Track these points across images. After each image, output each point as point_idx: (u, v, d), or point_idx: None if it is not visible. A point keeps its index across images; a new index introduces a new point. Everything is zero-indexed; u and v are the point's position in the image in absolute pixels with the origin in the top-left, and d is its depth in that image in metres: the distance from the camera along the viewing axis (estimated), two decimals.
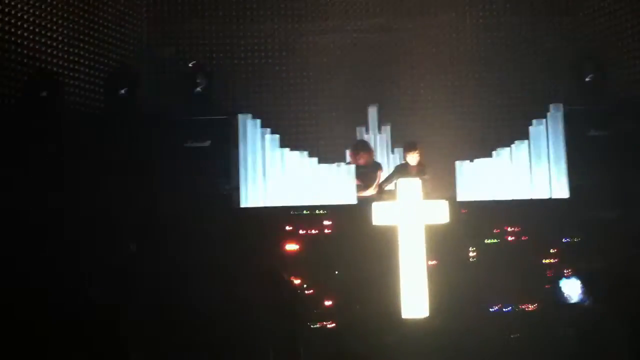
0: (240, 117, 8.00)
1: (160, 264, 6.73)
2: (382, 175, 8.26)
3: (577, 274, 6.49)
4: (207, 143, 7.84)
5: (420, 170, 7.75)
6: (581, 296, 6.34)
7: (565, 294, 6.41)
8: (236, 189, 7.77)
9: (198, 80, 8.21)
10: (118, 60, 9.46)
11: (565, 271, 6.60)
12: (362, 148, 8.32)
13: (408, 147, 7.91)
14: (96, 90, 8.98)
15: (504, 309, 6.70)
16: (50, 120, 7.51)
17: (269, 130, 8.16)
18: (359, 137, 9.05)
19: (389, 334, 6.02)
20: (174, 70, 9.17)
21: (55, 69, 8.45)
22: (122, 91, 7.92)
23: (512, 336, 6.27)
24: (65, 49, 8.66)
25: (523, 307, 6.68)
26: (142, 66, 9.63)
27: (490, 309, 6.68)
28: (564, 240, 6.97)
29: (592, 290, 6.03)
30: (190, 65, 8.40)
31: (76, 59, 8.83)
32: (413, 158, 7.81)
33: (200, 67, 8.42)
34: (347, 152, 8.82)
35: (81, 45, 8.90)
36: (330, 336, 6.15)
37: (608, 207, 7.08)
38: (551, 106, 7.91)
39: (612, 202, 7.15)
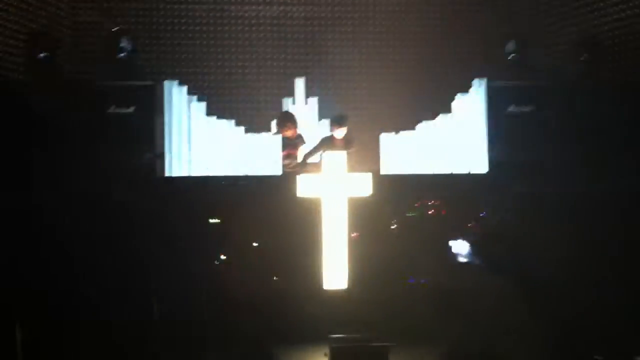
0: (166, 83, 7.88)
1: (79, 236, 6.60)
2: (306, 147, 8.27)
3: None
4: (131, 109, 7.68)
5: (346, 143, 7.81)
6: (469, 256, 6.60)
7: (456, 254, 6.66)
8: (160, 157, 7.67)
9: (122, 46, 8.03)
10: (38, 24, 9.14)
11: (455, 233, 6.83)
12: (289, 119, 8.31)
13: (336, 121, 7.95)
14: (14, 53, 8.67)
15: (422, 281, 6.87)
16: None
17: (195, 97, 8.07)
18: (284, 108, 9.04)
19: (309, 304, 6.11)
20: (96, 35, 8.92)
21: None
22: (42, 55, 7.67)
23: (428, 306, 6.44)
24: None
25: (440, 279, 6.86)
26: (64, 31, 9.34)
27: (409, 281, 6.85)
28: (481, 214, 7.18)
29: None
30: (113, 30, 8.19)
31: None
32: (340, 132, 7.86)
33: (125, 32, 8.22)
34: (273, 123, 8.81)
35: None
36: (251, 308, 6.18)
37: (525, 182, 7.29)
38: (475, 81, 8.06)
39: (529, 177, 7.37)
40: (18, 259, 6.02)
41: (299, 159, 8.17)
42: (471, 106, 8.00)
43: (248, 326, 5.75)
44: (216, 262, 6.71)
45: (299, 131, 8.39)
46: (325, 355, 5.17)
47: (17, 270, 5.83)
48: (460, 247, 6.91)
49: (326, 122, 8.88)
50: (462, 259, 6.91)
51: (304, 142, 8.27)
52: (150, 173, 7.51)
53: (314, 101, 9.16)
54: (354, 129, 8.23)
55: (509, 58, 8.11)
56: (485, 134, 7.80)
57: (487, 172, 7.62)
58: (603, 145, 7.26)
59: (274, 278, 6.53)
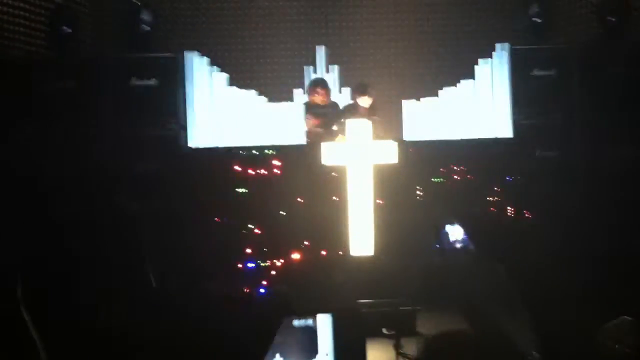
0: (187, 54, 7.88)
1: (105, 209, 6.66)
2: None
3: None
4: (153, 82, 7.70)
5: (370, 110, 7.77)
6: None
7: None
8: (183, 129, 7.70)
9: (142, 17, 8.02)
10: None
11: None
12: (318, 83, 8.26)
13: (359, 90, 7.89)
14: (37, 28, 8.70)
15: (448, 247, 6.88)
16: None
17: (216, 68, 8.07)
18: (306, 77, 9.01)
19: (336, 271, 6.14)
20: (117, 8, 8.91)
21: None
22: (65, 29, 7.70)
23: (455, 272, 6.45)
24: None
25: (465, 246, 6.87)
26: (85, 4, 9.34)
27: (435, 246, 6.86)
28: (507, 179, 7.16)
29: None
30: (134, 2, 8.18)
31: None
32: (364, 100, 7.81)
33: (145, 4, 8.21)
34: (296, 91, 8.81)
35: None
36: (279, 275, 6.24)
37: (550, 147, 7.26)
38: (497, 45, 7.98)
39: (553, 142, 7.33)
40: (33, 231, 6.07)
41: (328, 127, 8.03)
42: (494, 71, 7.93)
43: (276, 295, 5.78)
44: (243, 232, 6.76)
45: (333, 99, 8.29)
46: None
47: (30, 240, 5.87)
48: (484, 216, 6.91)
49: (347, 91, 8.85)
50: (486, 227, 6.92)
51: (339, 112, 8.08)
52: (173, 144, 7.55)
53: (335, 69, 9.13)
54: (376, 97, 8.19)
55: (533, 19, 8.00)
56: (509, 98, 7.75)
57: (512, 137, 7.57)
58: (628, 108, 7.20)
59: (302, 245, 6.56)
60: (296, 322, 2.97)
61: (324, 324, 2.92)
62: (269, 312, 3.02)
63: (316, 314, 2.94)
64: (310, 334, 2.94)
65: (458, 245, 6.92)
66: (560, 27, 8.57)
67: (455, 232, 6.95)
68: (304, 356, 2.90)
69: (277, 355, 2.90)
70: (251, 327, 2.90)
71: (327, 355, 2.88)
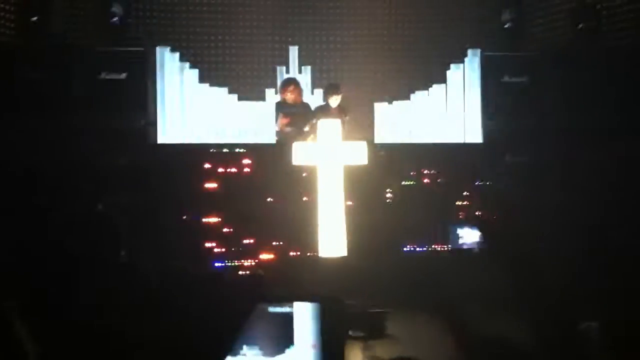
0: (159, 49, 7.78)
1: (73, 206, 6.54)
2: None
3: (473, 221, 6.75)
4: (123, 75, 7.58)
5: (340, 111, 7.76)
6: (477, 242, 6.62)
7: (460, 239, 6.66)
8: (152, 124, 7.59)
9: (114, 10, 7.92)
10: None
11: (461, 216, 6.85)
12: (292, 84, 8.20)
13: (330, 90, 7.86)
14: (6, 17, 8.52)
15: (418, 249, 6.90)
16: None
17: (187, 64, 7.99)
18: (279, 77, 8.96)
19: (306, 272, 6.12)
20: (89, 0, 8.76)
21: None
22: (34, 19, 7.54)
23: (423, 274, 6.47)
24: None
25: (436, 247, 6.89)
26: None
27: (404, 249, 6.87)
28: (476, 183, 7.19)
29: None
30: None
31: None
32: (335, 100, 7.79)
33: None
34: (268, 91, 8.77)
35: None
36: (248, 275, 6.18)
37: (518, 152, 7.31)
38: (469, 51, 8.04)
39: (522, 148, 7.39)
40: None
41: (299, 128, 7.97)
42: (466, 76, 7.98)
43: (243, 293, 5.71)
44: (212, 230, 6.68)
45: (305, 100, 8.26)
46: None
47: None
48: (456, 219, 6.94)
49: (320, 92, 8.83)
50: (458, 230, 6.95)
51: (310, 112, 8.04)
52: (142, 139, 7.44)
53: (308, 70, 9.10)
54: (348, 98, 8.18)
55: (505, 26, 8.07)
56: (479, 103, 7.79)
57: (482, 142, 7.62)
58: (598, 114, 7.28)
59: (272, 244, 6.52)
60: (272, 309, 2.81)
61: (304, 312, 2.79)
62: (243, 293, 2.93)
63: (295, 301, 2.81)
64: (289, 322, 2.81)
65: (428, 248, 6.96)
66: (532, 33, 8.64)
67: (426, 235, 6.99)
68: (281, 346, 2.80)
69: (250, 343, 2.79)
70: (223, 308, 2.80)
71: (313, 346, 2.78)
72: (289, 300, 2.77)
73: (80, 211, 6.64)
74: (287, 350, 2.76)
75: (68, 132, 7.11)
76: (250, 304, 2.75)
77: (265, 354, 2.77)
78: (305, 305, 2.76)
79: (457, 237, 6.73)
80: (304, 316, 2.77)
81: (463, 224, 6.82)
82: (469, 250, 6.58)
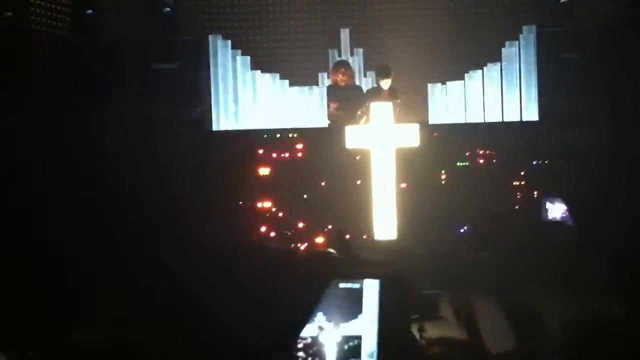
0: (210, 37, 7.85)
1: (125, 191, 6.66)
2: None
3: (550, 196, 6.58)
4: (176, 65, 7.68)
5: (392, 94, 7.70)
6: (564, 216, 6.44)
7: (549, 213, 6.49)
8: (207, 112, 7.68)
9: (165, 0, 8.01)
10: None
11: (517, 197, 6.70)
12: (343, 66, 8.21)
13: (381, 72, 7.81)
14: (62, 11, 8.71)
15: (472, 230, 6.80)
16: (18, 42, 7.32)
17: (239, 51, 8.04)
18: (330, 60, 8.94)
19: (360, 255, 6.10)
20: None
21: None
22: (89, 11, 7.70)
23: (480, 256, 6.38)
24: None
25: (491, 229, 6.78)
26: None
27: (459, 231, 6.79)
28: (533, 163, 7.05)
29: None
30: None
31: None
32: (386, 83, 7.74)
33: None
34: (321, 75, 8.76)
35: None
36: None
37: (577, 130, 7.13)
38: (524, 28, 7.86)
39: (580, 126, 7.20)
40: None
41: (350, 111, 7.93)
42: (521, 54, 7.81)
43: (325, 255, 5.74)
44: (266, 215, 6.74)
45: (356, 82, 8.24)
46: None
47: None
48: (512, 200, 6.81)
49: (372, 74, 8.78)
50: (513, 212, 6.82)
51: (361, 95, 7.95)
52: (197, 128, 7.54)
53: (359, 52, 9.06)
54: (400, 80, 8.11)
55: (560, 2, 7.86)
56: (535, 81, 7.63)
57: (538, 120, 7.46)
58: None
59: (326, 228, 6.53)
60: (342, 285, 2.99)
61: (371, 289, 2.97)
62: (317, 271, 3.02)
63: (363, 278, 2.98)
64: (356, 298, 2.98)
65: (483, 230, 6.86)
66: (589, 8, 8.40)
67: (482, 217, 6.88)
68: (347, 320, 2.95)
69: (321, 316, 2.95)
70: (298, 284, 2.92)
71: (371, 322, 2.92)
72: (359, 277, 2.91)
73: (138, 199, 6.79)
74: (354, 323, 2.91)
75: (123, 123, 7.25)
76: (325, 280, 2.89)
77: (333, 325, 2.91)
78: (373, 282, 2.91)
79: (515, 217, 6.61)
80: (371, 292, 2.90)
81: (519, 205, 6.70)
82: (528, 231, 6.45)
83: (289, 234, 6.61)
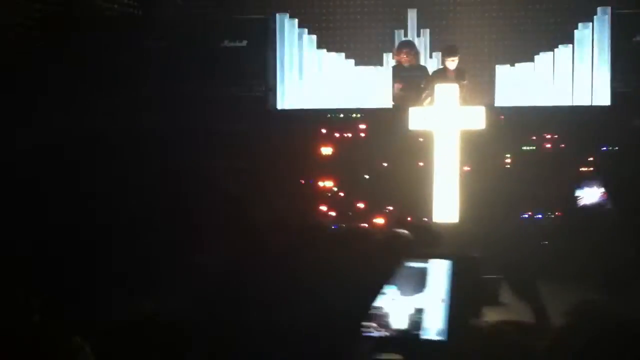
0: (278, 16, 7.87)
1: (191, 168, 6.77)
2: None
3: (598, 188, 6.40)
4: (244, 43, 7.74)
5: (459, 75, 7.58)
6: (602, 200, 6.27)
7: (586, 202, 6.34)
8: (272, 91, 7.73)
9: None
10: None
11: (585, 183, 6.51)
12: (407, 46, 8.14)
13: (447, 52, 7.70)
14: None
15: (535, 217, 6.67)
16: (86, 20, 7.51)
17: (306, 30, 8.04)
18: (396, 41, 8.86)
19: (419, 237, 6.05)
20: None
21: None
22: None
23: (542, 243, 6.26)
24: None
25: (556, 215, 6.64)
26: None
27: (522, 216, 6.67)
28: (603, 149, 6.85)
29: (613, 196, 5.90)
30: None
31: None
32: (452, 63, 7.62)
33: None
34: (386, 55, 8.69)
35: None
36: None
37: None
38: (599, 9, 7.61)
39: None
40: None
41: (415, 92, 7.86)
42: (595, 36, 7.58)
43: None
44: (327, 194, 6.76)
45: (422, 63, 8.16)
46: None
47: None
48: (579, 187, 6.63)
49: (438, 55, 8.66)
50: (580, 199, 6.64)
51: (426, 75, 7.87)
52: (262, 106, 7.60)
53: (426, 33, 8.94)
54: (467, 61, 7.98)
55: None
56: (608, 65, 7.39)
57: (610, 105, 7.23)
58: None
59: (386, 209, 6.52)
60: (412, 265, 3.14)
61: (440, 269, 3.11)
62: (389, 251, 3.11)
63: (433, 258, 3.10)
64: (426, 277, 3.12)
65: (548, 216, 6.73)
66: None
67: (546, 202, 6.74)
68: (419, 298, 3.09)
69: (393, 294, 3.09)
70: (372, 263, 3.02)
71: (442, 300, 3.02)
72: (427, 257, 3.04)
73: (204, 175, 6.90)
74: (424, 299, 3.06)
75: (189, 100, 7.36)
76: (396, 260, 3.02)
77: (402, 298, 3.07)
78: (441, 262, 3.02)
79: (581, 205, 6.45)
80: (438, 272, 3.08)
81: (587, 191, 6.52)
82: (594, 219, 6.29)
83: (350, 214, 6.62)
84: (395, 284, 3.04)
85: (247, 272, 3.09)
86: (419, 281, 3.06)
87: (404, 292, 3.06)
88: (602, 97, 7.38)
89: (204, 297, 3.10)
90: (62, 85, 7.10)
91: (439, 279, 3.07)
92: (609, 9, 7.51)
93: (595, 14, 7.60)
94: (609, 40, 7.43)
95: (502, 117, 6.98)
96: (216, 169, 6.98)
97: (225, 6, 8.03)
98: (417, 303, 3.05)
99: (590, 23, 7.61)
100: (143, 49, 7.48)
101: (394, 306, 3.08)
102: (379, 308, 3.06)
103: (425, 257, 3.15)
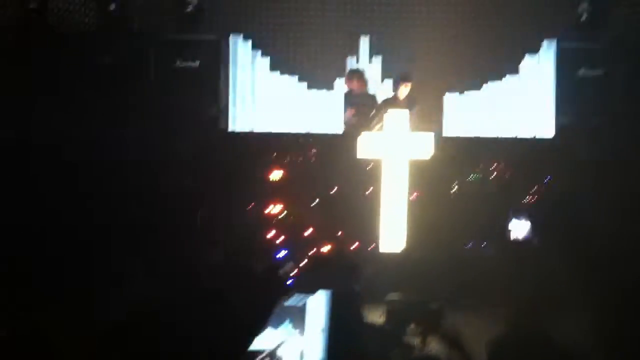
0: (231, 37, 7.90)
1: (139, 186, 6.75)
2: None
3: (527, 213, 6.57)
4: (197, 64, 7.75)
5: (409, 103, 7.69)
6: (529, 235, 6.45)
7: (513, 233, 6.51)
8: (223, 112, 7.74)
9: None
10: None
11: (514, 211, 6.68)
12: (357, 73, 8.25)
13: (401, 79, 7.79)
14: (85, 5, 8.79)
15: (480, 247, 6.80)
16: (40, 35, 7.44)
17: (259, 52, 8.07)
18: (349, 67, 8.95)
19: (366, 265, 6.13)
20: None
21: None
22: (112, 6, 7.77)
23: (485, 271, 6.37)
24: None
25: (499, 244, 6.78)
26: None
27: (468, 245, 6.79)
28: (545, 180, 7.02)
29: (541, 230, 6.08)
30: None
31: None
32: (405, 89, 7.72)
33: None
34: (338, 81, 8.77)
35: None
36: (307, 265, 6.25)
37: (593, 149, 7.10)
38: (545, 42, 7.83)
39: (597, 145, 7.17)
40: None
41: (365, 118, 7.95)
42: (540, 67, 7.78)
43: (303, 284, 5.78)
44: (273, 217, 6.78)
45: (371, 91, 8.27)
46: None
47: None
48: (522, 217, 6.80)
49: (389, 82, 8.77)
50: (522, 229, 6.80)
51: (375, 104, 8.00)
52: (213, 127, 7.60)
53: (378, 60, 9.05)
54: (417, 89, 8.10)
55: (582, 17, 7.80)
56: (553, 97, 7.60)
57: (554, 137, 7.43)
58: None
59: (333, 236, 6.56)
60: (287, 303, 3.17)
61: (320, 301, 3.16)
62: (271, 287, 3.14)
63: (315, 290, 3.15)
64: (305, 309, 3.18)
65: (492, 244, 6.85)
66: (610, 26, 8.33)
67: (490, 231, 6.88)
68: (297, 329, 3.13)
69: (271, 326, 3.11)
70: (254, 298, 3.04)
71: (321, 330, 3.07)
72: (307, 290, 3.08)
73: (151, 194, 6.88)
74: (301, 333, 3.19)
75: (141, 118, 7.33)
76: (276, 295, 3.04)
77: (282, 334, 3.18)
78: (320, 294, 3.08)
79: (522, 234, 6.60)
80: (318, 304, 3.09)
81: (529, 221, 6.68)
82: (533, 247, 6.44)
83: (296, 239, 6.64)
84: (276, 316, 3.09)
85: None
86: (299, 313, 3.13)
87: (285, 325, 3.11)
88: (547, 128, 7.58)
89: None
90: (15, 101, 7.03)
91: (318, 310, 3.13)
92: (554, 42, 7.72)
93: (542, 46, 7.81)
94: (554, 73, 7.64)
95: (449, 145, 7.11)
96: (165, 188, 6.98)
97: (178, 26, 8.00)
98: (297, 334, 3.11)
99: (537, 55, 7.82)
100: (95, 66, 7.44)
101: (275, 339, 3.12)
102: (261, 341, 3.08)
103: (306, 291, 3.21)
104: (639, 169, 6.86)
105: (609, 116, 7.36)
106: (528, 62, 7.90)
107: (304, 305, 3.19)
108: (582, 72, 7.55)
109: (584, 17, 7.78)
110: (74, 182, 6.59)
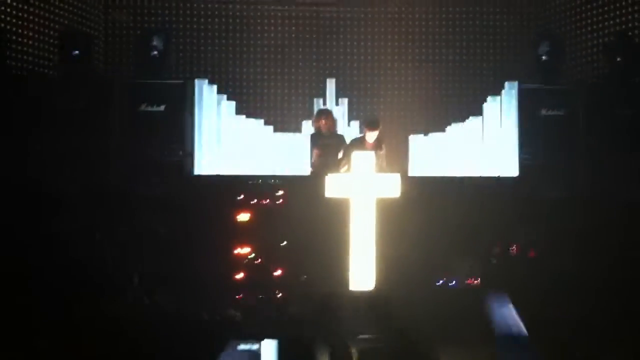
0: (197, 81, 7.90)
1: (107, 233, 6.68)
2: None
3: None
4: (162, 108, 7.73)
5: (376, 144, 7.76)
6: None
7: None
8: (189, 156, 7.70)
9: (154, 44, 8.08)
10: (73, 21, 9.25)
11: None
12: (325, 114, 8.31)
13: (369, 125, 7.85)
14: (49, 50, 8.78)
15: (449, 284, 6.81)
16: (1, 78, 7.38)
17: (225, 96, 8.10)
18: (315, 109, 9.03)
19: (336, 305, 6.09)
20: (129, 33, 8.99)
21: (3, 25, 8.24)
22: (75, 52, 7.75)
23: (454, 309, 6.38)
24: (15, 4, 8.43)
25: (468, 282, 6.80)
26: (98, 28, 9.43)
27: (436, 283, 6.80)
28: (510, 219, 7.09)
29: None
30: (145, 28, 8.27)
31: (29, 16, 8.60)
32: (372, 135, 7.79)
33: (156, 30, 8.27)
34: (304, 123, 8.83)
35: (33, 3, 8.67)
36: (278, 306, 6.19)
37: (555, 187, 7.21)
38: (506, 84, 7.98)
39: (559, 183, 7.28)
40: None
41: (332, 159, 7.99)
42: (502, 109, 7.92)
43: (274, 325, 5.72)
44: (242, 259, 6.73)
45: (339, 131, 8.32)
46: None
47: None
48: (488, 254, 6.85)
49: (356, 124, 8.85)
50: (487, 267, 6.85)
51: (343, 143, 8.04)
52: (179, 171, 7.55)
53: (344, 102, 9.14)
54: (384, 130, 8.18)
55: (542, 58, 7.98)
56: (516, 137, 7.72)
57: (517, 176, 7.53)
58: (636, 149, 7.18)
59: (302, 278, 6.53)
60: (241, 346, 3.13)
61: (268, 349, 3.13)
62: (214, 334, 3.11)
63: (262, 338, 3.11)
64: (254, 357, 3.15)
65: (461, 282, 6.87)
66: (570, 67, 8.56)
67: (458, 269, 6.90)
68: None
69: None
70: (195, 346, 3.01)
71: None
72: (257, 338, 3.06)
73: (115, 238, 6.80)
74: None
75: (106, 162, 7.27)
76: (223, 342, 3.02)
77: None
78: (271, 342, 3.05)
79: (488, 272, 6.64)
80: (269, 352, 3.07)
81: (495, 259, 6.73)
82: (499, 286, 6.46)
83: (265, 281, 6.60)
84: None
85: None
86: (254, 357, 3.10)
87: None
88: (510, 167, 7.68)
89: None
90: None
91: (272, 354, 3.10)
92: (515, 84, 7.88)
93: (503, 88, 7.96)
94: (516, 114, 7.77)
95: (416, 185, 7.15)
96: (131, 232, 6.90)
97: (144, 70, 8.00)
98: None
99: (499, 97, 7.96)
100: (58, 110, 7.39)
101: None
102: None
103: (254, 338, 3.18)
104: (599, 206, 6.99)
105: (569, 154, 7.49)
106: (490, 104, 8.03)
107: (259, 349, 3.14)
108: (543, 112, 7.67)
109: (543, 58, 7.95)
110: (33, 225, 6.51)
